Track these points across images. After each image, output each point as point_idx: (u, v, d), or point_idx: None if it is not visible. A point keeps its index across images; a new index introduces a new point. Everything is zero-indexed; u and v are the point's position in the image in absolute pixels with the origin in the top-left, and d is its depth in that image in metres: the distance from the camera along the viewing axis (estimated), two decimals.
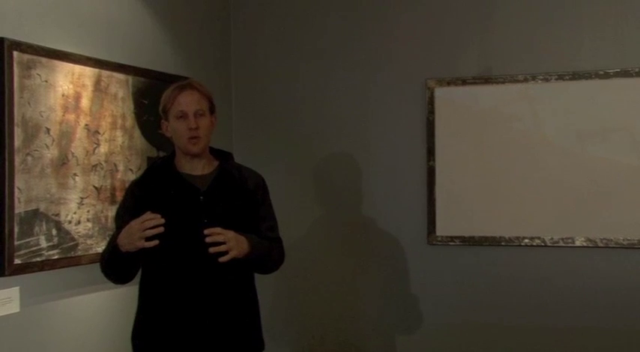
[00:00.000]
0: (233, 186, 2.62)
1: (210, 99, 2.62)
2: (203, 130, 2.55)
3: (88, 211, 3.00)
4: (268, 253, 2.62)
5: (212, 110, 2.63)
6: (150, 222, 2.40)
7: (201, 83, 2.66)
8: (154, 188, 2.58)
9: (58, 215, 2.85)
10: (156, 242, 2.40)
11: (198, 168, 2.61)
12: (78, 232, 2.95)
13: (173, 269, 2.53)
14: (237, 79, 4.13)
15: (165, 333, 2.54)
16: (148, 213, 2.42)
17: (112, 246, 2.48)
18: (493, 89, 3.67)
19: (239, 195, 2.62)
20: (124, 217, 2.57)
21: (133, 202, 2.59)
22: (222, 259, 2.43)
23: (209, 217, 2.49)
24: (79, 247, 2.96)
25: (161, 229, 2.39)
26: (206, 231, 2.43)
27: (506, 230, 3.64)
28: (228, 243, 2.43)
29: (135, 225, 2.41)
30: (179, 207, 2.52)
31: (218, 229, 2.43)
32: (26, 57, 2.70)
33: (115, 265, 2.53)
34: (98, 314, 3.11)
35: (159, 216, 2.40)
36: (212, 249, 2.42)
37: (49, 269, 2.81)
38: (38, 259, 2.75)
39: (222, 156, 2.70)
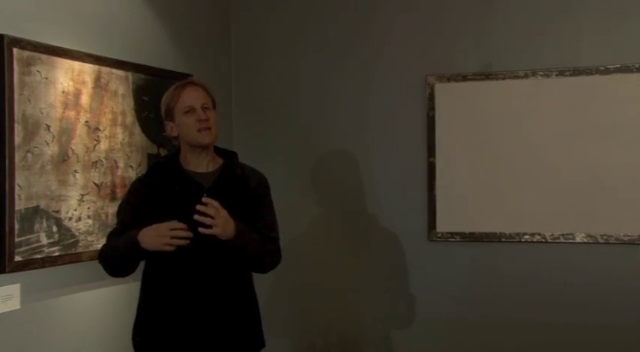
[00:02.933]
0: (236, 184, 2.63)
1: (211, 96, 2.64)
2: (212, 121, 2.57)
3: (89, 208, 3.00)
4: (255, 247, 2.57)
5: (214, 107, 2.65)
6: (179, 232, 2.40)
7: (202, 80, 2.68)
8: (158, 184, 2.59)
9: (58, 212, 2.85)
10: (173, 248, 2.41)
11: (202, 165, 2.62)
12: (78, 229, 2.95)
13: (174, 267, 2.53)
14: (238, 76, 4.13)
15: (165, 331, 2.54)
16: (177, 222, 2.42)
17: (133, 241, 2.46)
18: (493, 85, 3.67)
19: (241, 194, 2.62)
20: (126, 211, 2.58)
21: (136, 197, 2.60)
22: (201, 230, 2.41)
23: None
24: (80, 244, 2.96)
25: (187, 242, 2.41)
26: (204, 199, 2.42)
27: (507, 226, 3.65)
28: (216, 219, 2.42)
29: (164, 227, 2.41)
30: (182, 203, 2.52)
31: (215, 202, 2.42)
32: (26, 54, 2.69)
33: (128, 258, 2.52)
34: (99, 311, 3.11)
35: (186, 226, 2.41)
36: (197, 217, 2.41)
37: (49, 266, 2.81)
38: (39, 256, 2.76)
39: (226, 156, 2.70)
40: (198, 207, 2.41)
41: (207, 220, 2.41)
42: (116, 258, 2.55)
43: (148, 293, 2.60)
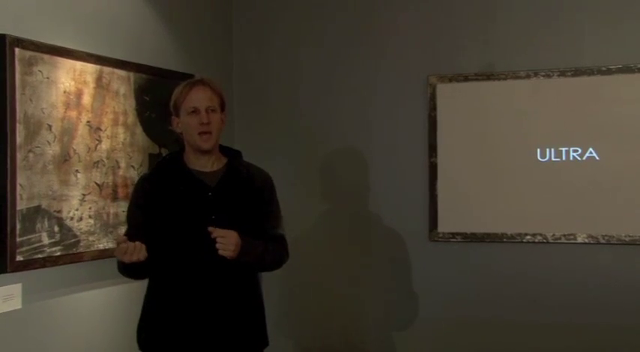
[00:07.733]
0: (241, 184, 2.63)
1: (221, 96, 2.62)
2: (214, 125, 2.56)
3: (90, 208, 3.00)
4: (261, 256, 2.59)
5: (222, 107, 2.63)
6: (129, 257, 2.36)
7: (213, 80, 2.66)
8: (163, 183, 2.59)
9: (59, 211, 2.85)
10: (142, 258, 2.38)
11: (207, 164, 2.62)
12: (80, 229, 2.95)
13: (180, 265, 2.54)
14: (239, 75, 4.13)
15: (170, 328, 2.54)
16: (128, 242, 2.37)
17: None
18: (495, 85, 3.66)
19: (247, 193, 2.62)
20: (135, 213, 2.58)
21: (143, 198, 2.60)
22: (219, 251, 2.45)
23: (217, 214, 2.49)
24: (81, 244, 2.96)
25: (140, 258, 2.37)
26: (211, 229, 2.44)
27: (508, 226, 3.64)
28: (225, 243, 2.44)
29: (117, 251, 2.40)
30: (187, 203, 2.53)
31: (221, 232, 2.44)
32: (28, 53, 2.69)
33: (130, 269, 2.52)
34: (100, 311, 3.11)
35: (143, 247, 2.37)
36: (217, 238, 2.44)
37: (51, 266, 2.81)
38: (40, 256, 2.75)
39: (231, 154, 2.70)
40: (211, 229, 2.44)
41: (218, 246, 2.44)
42: (122, 269, 2.54)
43: (154, 290, 2.61)
